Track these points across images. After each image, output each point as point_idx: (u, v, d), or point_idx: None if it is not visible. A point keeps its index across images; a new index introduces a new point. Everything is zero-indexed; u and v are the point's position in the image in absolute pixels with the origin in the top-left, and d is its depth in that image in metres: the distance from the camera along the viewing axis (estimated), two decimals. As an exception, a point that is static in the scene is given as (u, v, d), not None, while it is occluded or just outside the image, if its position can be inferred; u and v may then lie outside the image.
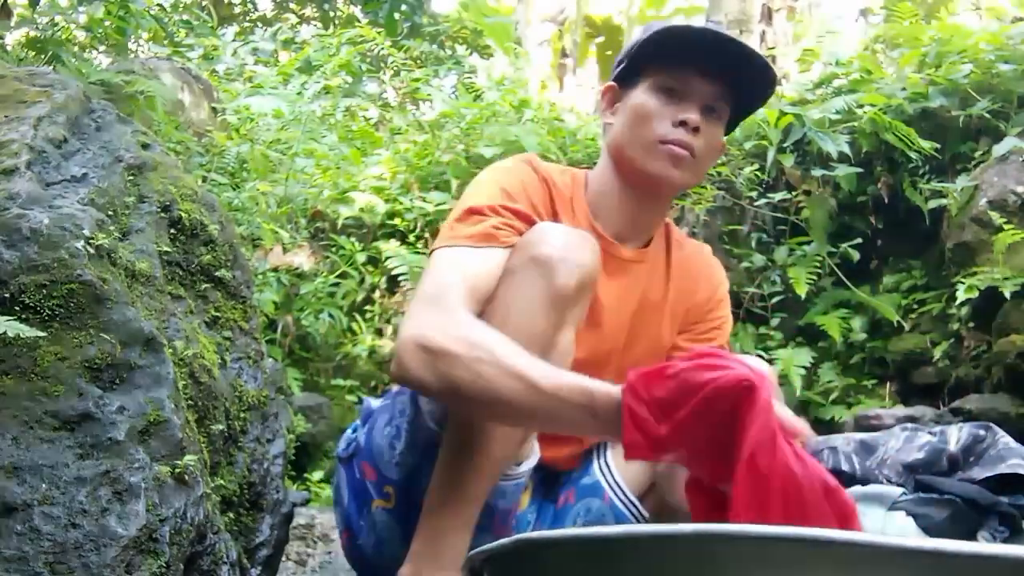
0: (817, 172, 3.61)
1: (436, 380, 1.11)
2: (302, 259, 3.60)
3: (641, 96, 1.38)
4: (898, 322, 3.36)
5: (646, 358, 1.47)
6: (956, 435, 1.75)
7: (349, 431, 1.45)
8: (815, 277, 3.49)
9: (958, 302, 3.06)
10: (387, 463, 1.32)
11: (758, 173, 3.66)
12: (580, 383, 1.05)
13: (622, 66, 1.44)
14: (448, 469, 1.21)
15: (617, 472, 1.45)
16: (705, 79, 1.35)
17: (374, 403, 1.42)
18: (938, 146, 3.50)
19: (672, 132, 1.34)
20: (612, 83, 1.46)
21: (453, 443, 1.21)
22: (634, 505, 1.44)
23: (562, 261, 1.18)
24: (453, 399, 1.15)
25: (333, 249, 3.66)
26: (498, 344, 1.10)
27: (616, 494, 1.44)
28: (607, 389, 1.03)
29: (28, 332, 1.01)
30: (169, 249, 1.41)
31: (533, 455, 1.33)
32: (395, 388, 1.36)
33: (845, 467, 1.79)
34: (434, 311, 1.15)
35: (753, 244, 3.66)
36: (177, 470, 1.09)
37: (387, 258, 3.54)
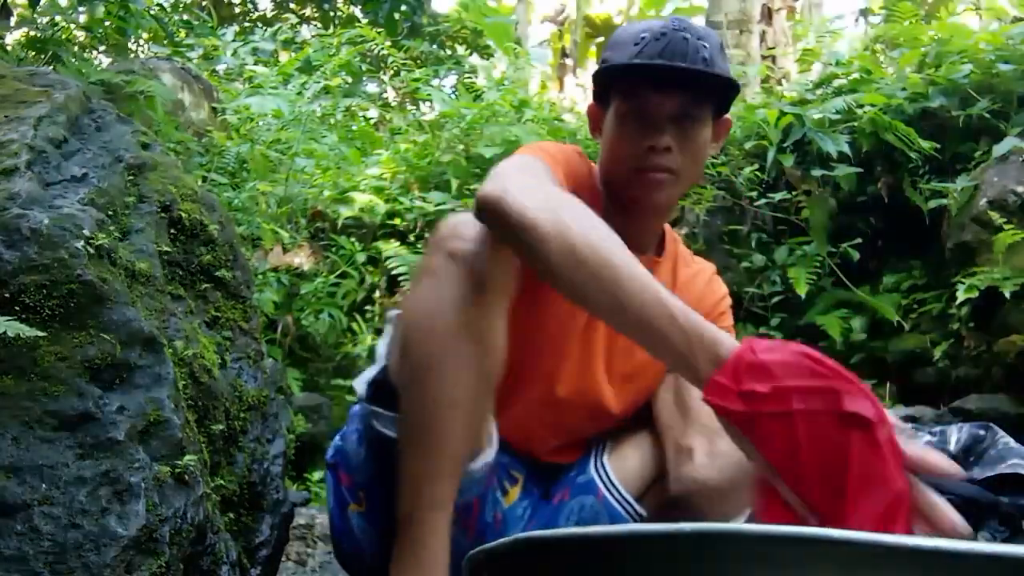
0: (817, 172, 3.61)
1: (550, 226, 1.04)
2: (302, 259, 3.60)
3: (610, 125, 1.38)
4: (898, 322, 3.37)
5: (647, 366, 1.47)
6: (956, 435, 1.75)
7: (336, 438, 1.44)
8: (815, 277, 3.49)
9: (958, 302, 3.06)
10: (355, 467, 1.32)
11: (758, 173, 3.66)
12: (673, 310, 1.00)
13: (594, 89, 1.44)
14: (408, 475, 1.18)
15: (613, 471, 1.45)
16: (666, 95, 1.32)
17: (356, 408, 1.41)
18: (938, 146, 3.50)
19: (644, 159, 1.33)
20: (593, 103, 1.46)
21: (407, 450, 1.18)
22: (629, 503, 1.43)
23: (475, 254, 1.16)
24: (552, 250, 1.05)
25: (333, 249, 3.67)
26: (597, 226, 1.06)
27: (610, 491, 1.44)
28: (701, 328, 1.00)
29: (28, 332, 1.01)
30: (169, 249, 1.41)
31: (489, 448, 1.29)
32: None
33: (845, 467, 1.80)
34: (530, 176, 1.17)
35: (753, 244, 3.67)
36: (177, 470, 1.09)
37: (387, 258, 3.54)
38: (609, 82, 1.38)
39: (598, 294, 1.03)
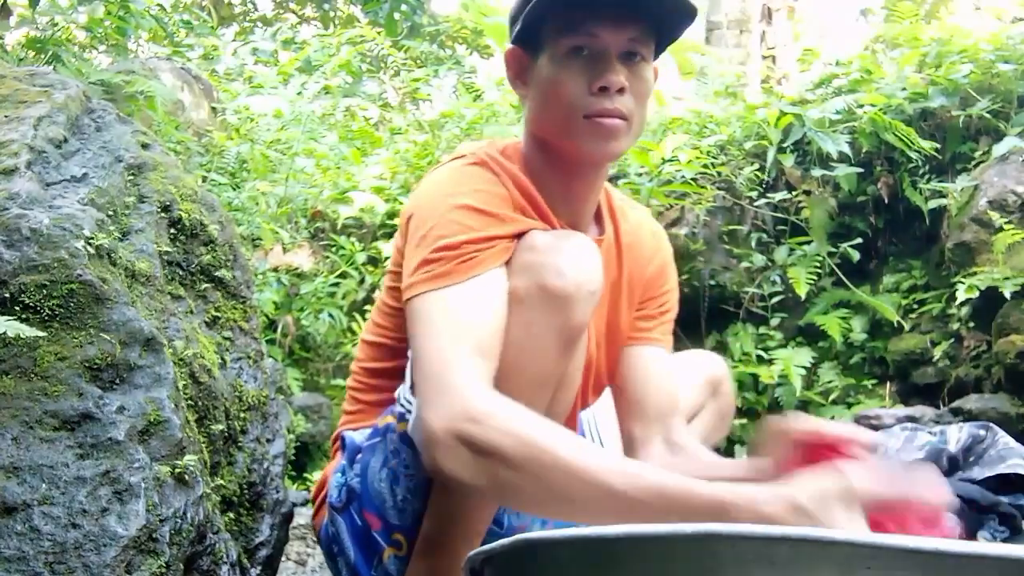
0: (817, 172, 3.61)
1: (488, 483, 0.98)
2: (302, 259, 3.60)
3: (549, 68, 1.19)
4: (898, 322, 3.37)
5: (612, 344, 1.43)
6: (956, 435, 1.76)
7: (338, 475, 1.32)
8: (815, 277, 3.49)
9: (958, 302, 3.06)
10: (391, 510, 1.22)
11: (758, 173, 3.66)
12: (661, 486, 0.91)
13: (517, 27, 1.22)
14: (445, 506, 1.16)
15: None
16: (616, 26, 1.16)
17: (356, 437, 1.32)
18: (938, 146, 3.50)
19: (595, 103, 1.17)
20: (514, 47, 1.25)
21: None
22: None
23: (577, 294, 1.09)
24: (510, 501, 1.04)
25: (333, 249, 3.66)
26: (552, 437, 0.98)
27: None
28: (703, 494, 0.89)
29: (28, 332, 1.01)
30: (169, 249, 1.41)
31: None
32: (380, 424, 1.26)
33: (845, 467, 1.80)
34: (457, 392, 1.01)
35: (753, 244, 3.67)
36: (177, 470, 1.09)
37: (387, 258, 3.54)
38: (542, 19, 1.19)
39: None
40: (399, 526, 1.22)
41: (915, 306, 3.43)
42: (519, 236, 1.15)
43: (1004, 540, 1.55)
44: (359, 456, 1.28)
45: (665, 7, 1.19)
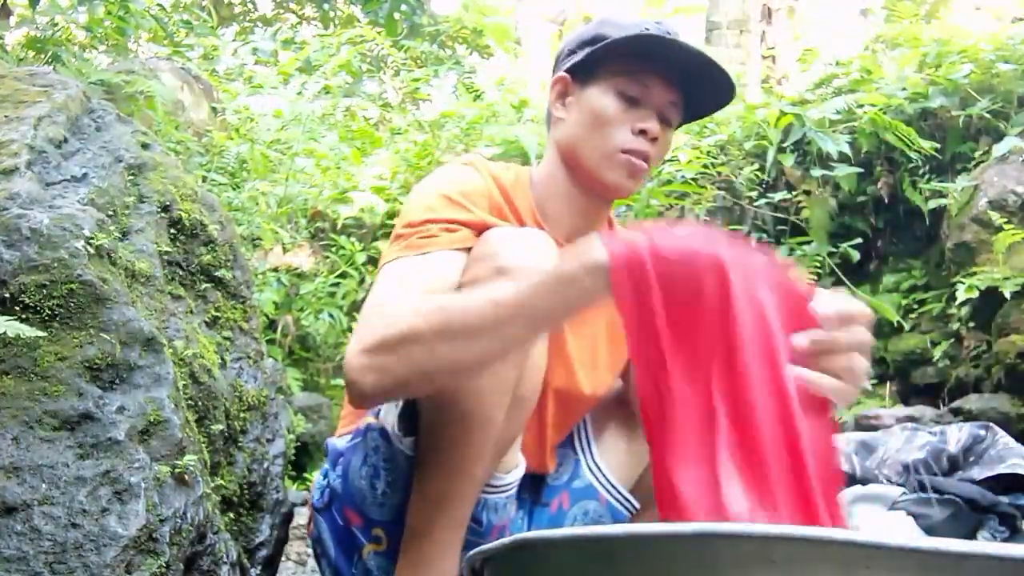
0: (817, 172, 3.61)
1: (409, 370, 1.04)
2: (302, 259, 3.60)
3: (600, 99, 1.32)
4: (898, 322, 3.37)
5: (603, 350, 1.44)
6: (956, 435, 1.76)
7: (319, 478, 1.36)
8: (815, 277, 3.49)
9: (958, 302, 3.07)
10: (371, 505, 1.26)
11: (758, 173, 3.66)
12: (544, 272, 1.02)
13: (575, 58, 1.35)
14: (427, 494, 1.18)
15: (608, 470, 1.45)
16: (665, 86, 1.32)
17: (339, 443, 1.34)
18: (938, 146, 3.50)
19: (632, 141, 1.31)
20: (564, 74, 1.37)
21: (429, 468, 1.18)
22: (628, 501, 1.44)
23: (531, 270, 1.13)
24: (434, 380, 1.08)
25: (333, 249, 3.67)
26: (446, 298, 1.07)
27: (611, 493, 1.43)
28: (572, 252, 1.01)
29: (28, 332, 1.01)
30: (169, 249, 1.41)
31: (521, 464, 1.31)
32: (361, 425, 1.29)
33: (845, 467, 1.80)
34: (376, 319, 1.09)
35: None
36: (177, 470, 1.09)
37: (387, 258, 3.53)
38: (603, 58, 1.32)
39: (496, 328, 1.02)
40: (380, 521, 1.25)
41: (915, 306, 3.43)
42: (483, 232, 1.23)
43: (1004, 540, 1.56)
44: (340, 459, 1.31)
45: (709, 77, 1.32)
